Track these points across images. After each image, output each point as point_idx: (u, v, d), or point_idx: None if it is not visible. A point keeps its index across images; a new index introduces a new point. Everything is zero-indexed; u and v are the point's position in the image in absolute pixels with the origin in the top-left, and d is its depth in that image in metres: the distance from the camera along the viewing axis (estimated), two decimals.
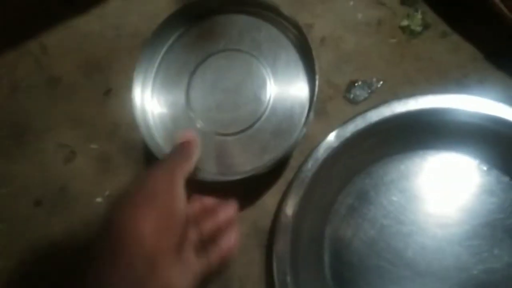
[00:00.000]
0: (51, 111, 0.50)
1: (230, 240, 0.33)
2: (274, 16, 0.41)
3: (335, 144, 0.39)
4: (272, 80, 0.40)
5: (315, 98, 0.38)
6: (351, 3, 0.48)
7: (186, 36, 0.43)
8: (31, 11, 0.52)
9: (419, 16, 0.46)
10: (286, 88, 0.40)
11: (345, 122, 0.40)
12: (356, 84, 0.45)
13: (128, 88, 0.41)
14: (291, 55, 0.41)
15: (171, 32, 0.43)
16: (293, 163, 0.45)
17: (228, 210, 0.34)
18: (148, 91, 0.42)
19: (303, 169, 0.40)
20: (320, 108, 0.45)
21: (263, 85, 0.40)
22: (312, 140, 0.45)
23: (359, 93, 0.45)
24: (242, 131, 0.40)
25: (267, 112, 0.40)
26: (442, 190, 0.42)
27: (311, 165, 0.40)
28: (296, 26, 0.39)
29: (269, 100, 0.40)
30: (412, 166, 0.43)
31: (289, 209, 0.40)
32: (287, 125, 0.39)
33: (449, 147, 0.42)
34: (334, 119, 0.45)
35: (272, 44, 0.41)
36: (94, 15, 0.52)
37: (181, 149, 0.34)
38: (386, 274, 0.41)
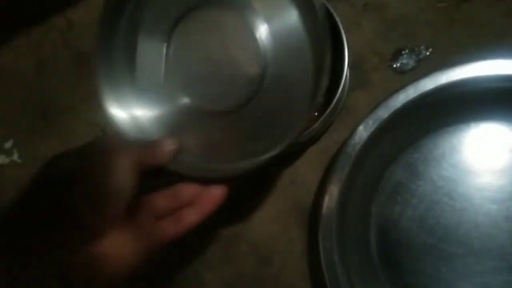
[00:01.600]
0: (78, 89, 0.48)
1: (190, 217, 0.31)
2: None
3: (385, 116, 0.37)
4: (268, 50, 0.31)
5: (324, 79, 0.28)
6: None
7: None
8: None
9: None
10: (286, 63, 0.31)
11: (396, 91, 0.37)
12: (402, 53, 0.42)
13: None
14: (293, 19, 0.31)
15: None
16: (335, 136, 0.43)
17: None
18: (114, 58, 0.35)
19: (349, 143, 0.37)
20: (364, 79, 0.43)
21: (255, 55, 0.31)
22: (355, 112, 0.43)
23: (406, 61, 0.42)
24: (230, 111, 0.32)
25: (261, 92, 0.31)
26: (497, 164, 0.40)
27: (358, 139, 0.37)
28: None
29: (262, 76, 0.31)
30: (465, 138, 0.40)
31: (334, 186, 0.38)
32: (285, 110, 0.31)
33: (505, 118, 0.39)
34: (379, 89, 0.42)
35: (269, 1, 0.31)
36: None
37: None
38: (435, 251, 0.39)
